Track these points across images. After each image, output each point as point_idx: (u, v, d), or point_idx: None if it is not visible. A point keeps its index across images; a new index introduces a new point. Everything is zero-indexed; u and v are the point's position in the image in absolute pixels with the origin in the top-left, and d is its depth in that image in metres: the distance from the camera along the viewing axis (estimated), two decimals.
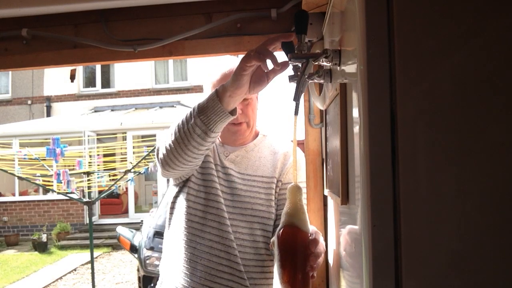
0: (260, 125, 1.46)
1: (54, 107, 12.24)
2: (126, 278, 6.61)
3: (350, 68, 0.75)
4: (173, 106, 11.60)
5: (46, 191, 9.70)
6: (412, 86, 0.62)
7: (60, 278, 6.82)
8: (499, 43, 0.61)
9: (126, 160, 8.63)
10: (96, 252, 7.94)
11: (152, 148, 5.55)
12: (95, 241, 7.82)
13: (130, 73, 11.82)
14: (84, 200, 5.60)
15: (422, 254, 0.61)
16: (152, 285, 3.85)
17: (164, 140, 1.20)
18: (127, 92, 12.02)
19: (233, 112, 1.09)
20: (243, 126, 1.34)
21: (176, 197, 1.37)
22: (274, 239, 0.99)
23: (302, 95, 1.00)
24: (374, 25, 0.64)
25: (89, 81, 12.37)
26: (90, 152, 9.10)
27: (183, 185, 1.35)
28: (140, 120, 10.24)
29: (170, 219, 1.38)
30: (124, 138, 10.32)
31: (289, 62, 0.97)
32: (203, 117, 1.08)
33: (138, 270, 4.21)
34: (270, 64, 0.99)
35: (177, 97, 11.83)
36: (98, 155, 9.00)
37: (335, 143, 0.95)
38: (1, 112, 12.32)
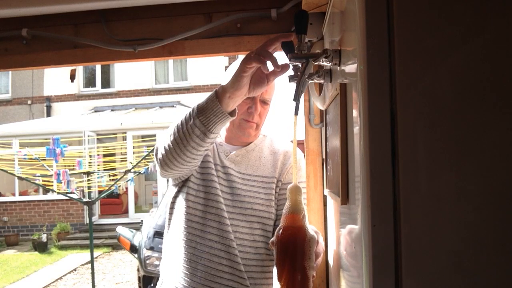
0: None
1: (54, 107, 12.23)
2: (126, 278, 6.61)
3: (350, 68, 0.75)
4: (173, 106, 11.60)
5: (46, 191, 9.69)
6: (412, 86, 0.62)
7: (60, 278, 6.81)
8: (499, 43, 0.61)
9: (126, 160, 8.62)
10: (96, 252, 7.93)
11: (152, 148, 5.55)
12: (95, 241, 7.82)
13: (130, 73, 11.81)
14: (84, 200, 5.59)
15: (422, 254, 0.61)
16: (152, 285, 3.85)
17: (163, 141, 1.20)
18: (127, 92, 12.01)
19: (232, 113, 1.09)
20: (253, 126, 1.34)
21: (175, 197, 1.37)
22: (274, 239, 0.99)
23: (302, 95, 1.00)
24: (374, 25, 0.64)
25: (89, 81, 12.36)
26: (90, 152, 9.08)
27: (182, 185, 1.35)
28: (140, 120, 10.24)
29: (169, 219, 1.38)
30: (124, 138, 10.31)
31: (289, 62, 0.97)
32: (202, 118, 1.08)
33: (138, 270, 4.21)
34: (270, 66, 0.99)
35: (177, 97, 11.82)
36: (98, 155, 8.98)
37: (335, 143, 0.95)
38: (1, 112, 12.31)
